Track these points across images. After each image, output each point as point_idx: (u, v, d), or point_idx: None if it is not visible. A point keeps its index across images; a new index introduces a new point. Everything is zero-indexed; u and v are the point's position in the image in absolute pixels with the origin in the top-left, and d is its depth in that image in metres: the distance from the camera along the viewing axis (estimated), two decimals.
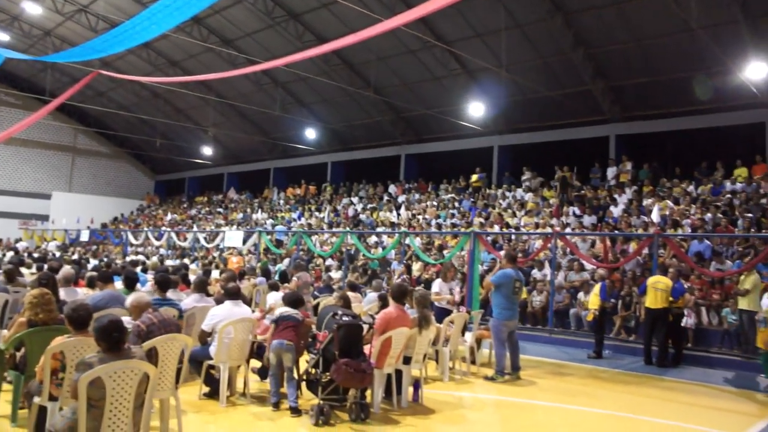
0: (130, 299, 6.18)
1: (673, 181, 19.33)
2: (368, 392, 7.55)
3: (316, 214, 26.98)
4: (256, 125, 32.05)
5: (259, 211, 29.96)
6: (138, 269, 13.74)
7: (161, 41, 25.51)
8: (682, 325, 12.34)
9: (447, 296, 11.20)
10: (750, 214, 15.59)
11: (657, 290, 11.76)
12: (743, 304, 11.86)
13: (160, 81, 26.04)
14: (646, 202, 18.24)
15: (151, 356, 5.60)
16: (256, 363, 8.46)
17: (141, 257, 21.80)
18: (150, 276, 12.22)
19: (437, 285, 11.34)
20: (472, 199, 23.33)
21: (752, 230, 14.70)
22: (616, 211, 18.37)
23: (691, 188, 18.66)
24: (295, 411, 7.10)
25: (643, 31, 18.62)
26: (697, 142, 20.46)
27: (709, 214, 16.12)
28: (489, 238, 17.12)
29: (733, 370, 11.40)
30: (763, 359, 10.18)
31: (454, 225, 20.86)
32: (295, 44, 22.91)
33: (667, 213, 16.77)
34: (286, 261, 19.87)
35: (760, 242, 13.61)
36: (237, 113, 31.10)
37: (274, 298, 9.57)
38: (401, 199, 25.90)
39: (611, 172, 21.13)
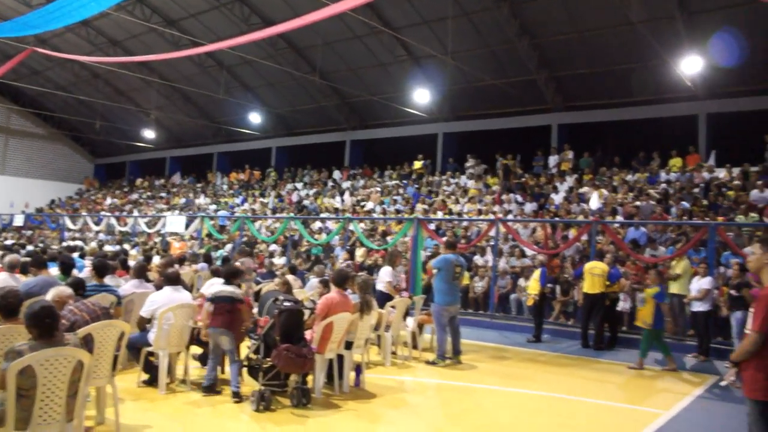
0: (50, 294, 5.98)
1: (612, 169, 19.85)
2: (310, 377, 7.56)
3: (260, 199, 26.73)
4: (199, 108, 31.48)
5: (202, 195, 29.51)
6: (76, 255, 13.39)
7: (102, 20, 24.73)
8: (618, 309, 12.73)
9: (395, 284, 11.29)
10: (684, 203, 16.13)
11: (594, 275, 12.09)
12: (674, 288, 12.28)
13: (100, 61, 25.29)
14: (584, 189, 18.70)
15: (87, 343, 5.49)
16: (197, 349, 8.36)
17: (79, 243, 21.25)
18: (88, 262, 11.93)
19: (386, 273, 11.34)
20: (416, 186, 23.48)
21: (684, 218, 15.22)
22: (557, 198, 18.78)
23: (629, 177, 19.19)
24: (237, 396, 7.08)
25: (586, 23, 19.02)
26: (635, 133, 21.07)
27: (644, 202, 16.60)
28: (432, 225, 17.28)
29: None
30: (645, 337, 10.54)
31: (398, 211, 20.97)
32: (240, 27, 22.56)
33: (602, 200, 17.21)
34: (229, 246, 19.68)
35: (691, 229, 14.11)
36: (180, 96, 30.49)
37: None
38: (346, 185, 25.88)
39: (553, 160, 21.56)
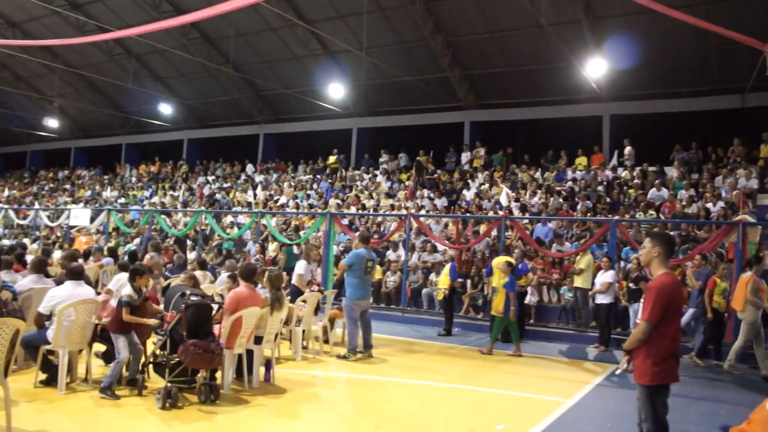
0: None
1: (522, 167, 20.45)
2: (218, 373, 7.44)
3: (171, 192, 26.04)
4: (107, 98, 30.31)
5: (109, 188, 28.46)
6: None
7: None
8: (525, 302, 13.12)
9: (309, 278, 11.24)
10: (588, 201, 16.80)
11: (499, 269, 12.40)
12: (578, 282, 12.77)
13: None
14: (495, 187, 19.19)
15: None
16: (100, 347, 8.07)
17: None
18: None
19: (300, 266, 11.28)
20: (329, 181, 23.45)
21: (589, 215, 15.86)
22: (468, 194, 19.17)
23: (537, 174, 19.81)
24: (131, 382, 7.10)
25: (498, 23, 19.51)
26: (544, 132, 21.76)
27: (552, 199, 17.20)
28: (345, 220, 17.31)
29: (567, 343, 12.32)
30: (496, 324, 11.04)
31: (311, 206, 20.89)
32: (151, 14, 21.90)
33: (506, 197, 17.69)
34: (137, 240, 19.08)
35: (595, 225, 14.73)
36: (86, 84, 29.28)
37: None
38: (258, 178, 25.56)
39: (465, 157, 21.98)
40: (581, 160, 19.95)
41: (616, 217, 14.03)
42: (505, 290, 10.82)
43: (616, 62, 18.16)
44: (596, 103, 20.54)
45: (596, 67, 18.02)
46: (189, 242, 19.24)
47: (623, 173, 18.46)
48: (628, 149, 19.27)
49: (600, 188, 17.83)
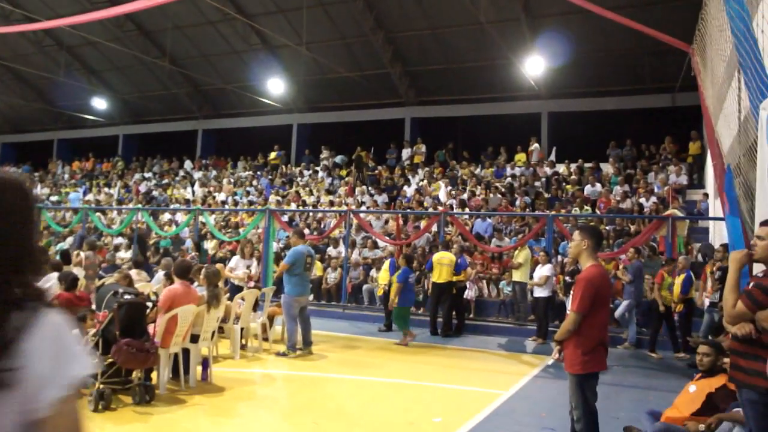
0: None
1: (462, 163, 20.67)
2: (154, 373, 7.28)
3: (105, 189, 25.34)
4: (36, 91, 29.24)
5: (40, 185, 27.49)
6: None
7: None
8: (465, 296, 13.26)
9: (241, 273, 11.09)
10: (527, 196, 17.10)
11: (442, 265, 12.50)
12: (517, 276, 12.98)
13: None
14: (433, 183, 19.36)
15: None
16: None
17: None
18: None
19: (234, 261, 11.18)
20: (269, 177, 23.23)
21: (528, 210, 16.13)
22: (409, 190, 19.26)
23: (477, 170, 20.05)
24: None
25: (439, 20, 19.64)
26: (484, 128, 22.03)
27: (491, 195, 17.44)
28: (285, 216, 17.18)
29: (506, 336, 12.51)
30: (394, 316, 11.68)
31: (251, 202, 20.64)
32: (83, 4, 21.20)
33: (444, 193, 17.87)
34: (70, 239, 18.51)
35: (533, 221, 15.01)
36: (13, 76, 28.13)
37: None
38: (197, 175, 25.11)
39: (406, 153, 22.08)
40: (520, 156, 20.30)
41: (553, 212, 14.31)
42: (398, 282, 11.31)
43: (554, 60, 18.55)
44: (535, 101, 20.92)
45: (534, 65, 18.37)
46: (125, 241, 18.76)
47: (561, 169, 18.86)
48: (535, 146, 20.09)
49: (538, 184, 18.16)
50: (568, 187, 17.54)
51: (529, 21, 18.55)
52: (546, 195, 17.24)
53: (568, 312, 4.88)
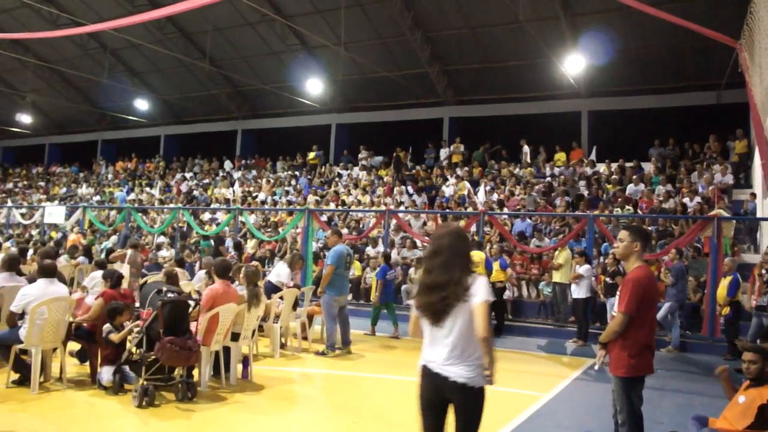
0: None
1: (501, 163, 20.51)
2: (195, 371, 7.38)
3: (147, 189, 25.78)
4: (82, 93, 29.89)
5: (85, 185, 28.10)
6: None
7: None
8: (504, 297, 13.16)
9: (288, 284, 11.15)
10: (567, 196, 16.90)
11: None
12: (557, 277, 12.82)
13: None
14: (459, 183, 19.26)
15: None
16: (75, 345, 7.97)
17: None
18: None
19: (285, 273, 11.04)
20: (308, 177, 23.36)
21: (568, 210, 15.94)
22: (447, 190, 19.18)
23: (517, 170, 19.87)
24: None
25: (477, 19, 19.51)
26: (523, 128, 21.81)
27: (530, 195, 17.27)
28: (324, 216, 17.25)
29: (546, 338, 12.39)
30: (373, 310, 12.18)
31: (290, 202, 20.79)
32: (126, 8, 21.57)
33: (485, 191, 17.75)
34: (114, 238, 18.88)
35: (573, 221, 14.81)
36: (60, 79, 28.80)
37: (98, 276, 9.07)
38: (237, 175, 25.38)
39: (444, 152, 21.99)
40: (560, 156, 20.05)
41: (595, 212, 14.11)
42: (378, 279, 12.03)
43: (594, 58, 18.27)
44: (575, 99, 20.65)
45: (574, 64, 18.13)
46: (166, 240, 19.04)
47: (602, 169, 18.59)
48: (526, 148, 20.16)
49: (581, 183, 17.91)
50: (609, 186, 17.27)
51: (569, 19, 18.31)
52: (586, 195, 16.99)
53: (612, 313, 4.80)
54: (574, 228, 13.98)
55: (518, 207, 16.91)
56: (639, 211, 15.42)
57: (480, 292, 3.55)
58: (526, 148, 20.93)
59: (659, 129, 19.14)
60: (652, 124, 19.59)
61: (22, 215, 23.11)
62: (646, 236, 4.95)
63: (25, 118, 31.29)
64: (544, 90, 20.86)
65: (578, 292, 11.76)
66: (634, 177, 17.10)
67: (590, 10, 18.14)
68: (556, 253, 13.14)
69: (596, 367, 4.96)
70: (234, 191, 23.11)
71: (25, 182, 31.40)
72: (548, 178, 18.77)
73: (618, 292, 4.84)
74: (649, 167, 18.06)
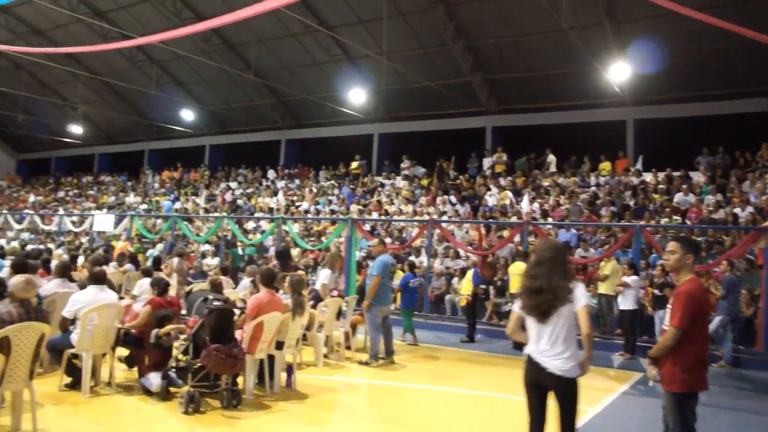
0: (12, 283, 5.84)
1: (544, 172, 20.29)
2: (240, 378, 7.44)
3: (193, 198, 26.20)
4: (130, 104, 30.61)
5: (132, 194, 28.71)
6: None
7: (23, 7, 23.77)
8: None
9: (333, 287, 11.20)
10: (613, 206, 16.61)
11: (513, 276, 12.34)
12: (603, 288, 12.60)
13: (22, 51, 24.14)
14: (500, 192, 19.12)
15: (2, 346, 5.24)
16: (123, 351, 8.12)
17: (2, 241, 20.40)
18: (8, 261, 11.43)
19: (325, 275, 11.19)
20: (351, 186, 23.44)
21: (614, 220, 15.66)
22: (490, 200, 19.05)
23: (561, 180, 19.63)
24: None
25: (519, 27, 19.38)
26: (567, 137, 21.54)
27: (575, 205, 17.03)
28: (367, 225, 17.28)
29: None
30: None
31: (332, 211, 20.89)
32: (172, 21, 22.05)
33: (527, 202, 17.56)
34: (160, 246, 19.21)
35: (620, 231, 14.55)
36: (109, 90, 29.54)
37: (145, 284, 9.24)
38: (280, 184, 25.63)
39: (487, 162, 21.86)
40: (605, 165, 19.74)
41: (641, 223, 13.84)
42: (398, 288, 12.23)
43: (640, 66, 17.97)
44: (620, 108, 20.33)
45: (619, 71, 17.84)
46: (211, 248, 19.29)
47: (648, 178, 18.23)
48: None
49: (627, 193, 17.59)
50: (656, 196, 16.92)
51: (613, 26, 18.04)
52: (632, 205, 16.68)
53: (663, 327, 4.67)
54: (620, 238, 13.73)
55: (563, 217, 16.68)
56: (688, 222, 15.08)
57: (582, 297, 4.37)
58: (551, 158, 20.74)
59: (708, 137, 18.66)
60: (700, 132, 19.11)
61: (73, 223, 23.69)
62: (698, 248, 4.84)
63: (77, 129, 32.15)
64: (588, 98, 20.57)
65: (625, 303, 11.53)
66: (683, 186, 16.72)
67: (635, 17, 17.85)
68: (602, 264, 12.92)
69: (651, 384, 4.87)
70: (278, 200, 23.32)
71: (76, 191, 32.22)
72: (593, 188, 18.48)
73: (668, 305, 4.71)
74: (697, 176, 17.63)
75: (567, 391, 4.41)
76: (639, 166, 18.99)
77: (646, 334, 12.24)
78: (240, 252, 18.30)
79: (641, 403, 8.35)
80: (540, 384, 4.50)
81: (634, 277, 11.59)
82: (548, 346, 4.39)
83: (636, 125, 20.43)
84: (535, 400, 4.57)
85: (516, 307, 4.65)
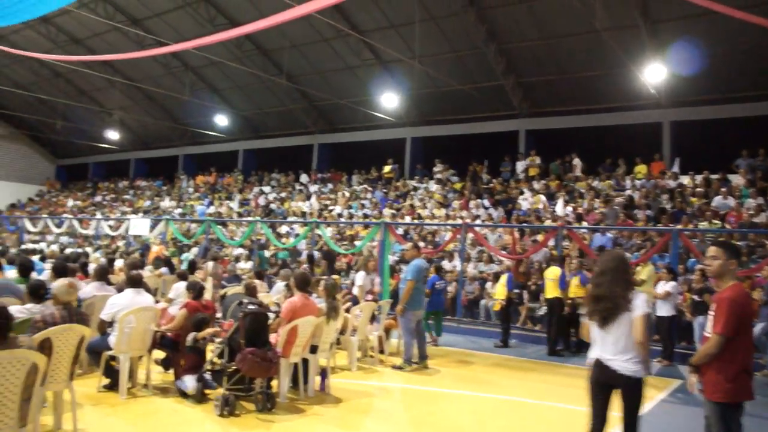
0: (56, 286, 5.98)
1: (579, 175, 20.06)
2: (274, 382, 7.47)
3: (227, 202, 26.45)
4: (164, 110, 31.04)
5: (167, 198, 29.09)
6: (36, 258, 13.10)
7: (62, 16, 24.27)
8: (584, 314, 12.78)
9: (370, 288, 11.23)
10: (649, 210, 16.35)
11: (548, 280, 12.20)
12: None
13: (61, 59, 24.66)
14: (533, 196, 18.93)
15: (44, 347, 5.33)
16: (159, 354, 8.21)
17: (42, 245, 20.81)
18: (48, 265, 11.66)
19: (359, 277, 11.28)
20: (384, 190, 23.44)
21: (650, 224, 15.40)
22: (524, 204, 18.90)
23: (595, 183, 19.39)
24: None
25: (552, 29, 19.19)
26: (601, 139, 21.27)
27: (610, 208, 16.79)
28: (400, 229, 17.26)
29: None
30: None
31: (365, 215, 20.91)
32: (206, 27, 22.27)
33: (561, 206, 17.36)
34: (195, 250, 19.41)
35: (656, 235, 14.30)
36: (145, 97, 30.01)
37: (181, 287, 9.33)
38: (313, 188, 25.73)
39: (520, 165, 21.69)
40: (641, 168, 19.43)
41: (679, 227, 13.59)
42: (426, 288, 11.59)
43: (677, 67, 17.65)
44: (655, 110, 20.01)
45: (655, 73, 17.55)
46: (244, 252, 19.44)
47: (685, 181, 17.90)
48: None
49: (664, 196, 17.29)
50: (694, 200, 16.61)
51: (649, 26, 17.75)
52: (669, 208, 16.39)
53: (706, 334, 4.56)
54: (657, 242, 13.49)
55: (597, 221, 16.46)
56: (727, 225, 14.76)
57: (640, 306, 4.60)
58: (576, 161, 20.49)
59: (748, 139, 18.23)
60: (739, 134, 18.70)
61: (110, 227, 24.08)
62: (739, 253, 4.72)
63: (113, 135, 32.66)
64: (623, 101, 20.28)
65: (663, 309, 11.32)
66: (722, 190, 16.39)
67: (672, 17, 17.53)
68: (638, 268, 12.71)
69: (693, 392, 4.74)
70: (311, 204, 23.42)
71: (113, 195, 32.77)
72: (628, 191, 18.21)
73: (710, 312, 4.60)
74: (737, 179, 17.26)
75: (633, 391, 4.63)
76: (676, 168, 18.67)
77: (684, 340, 12.00)
78: (267, 255, 18.39)
79: (681, 411, 8.18)
80: (607, 384, 4.72)
81: (673, 283, 11.38)
82: (613, 350, 4.64)
83: (672, 127, 20.08)
84: (601, 401, 4.77)
85: (584, 315, 5.03)
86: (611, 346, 4.65)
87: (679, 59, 17.39)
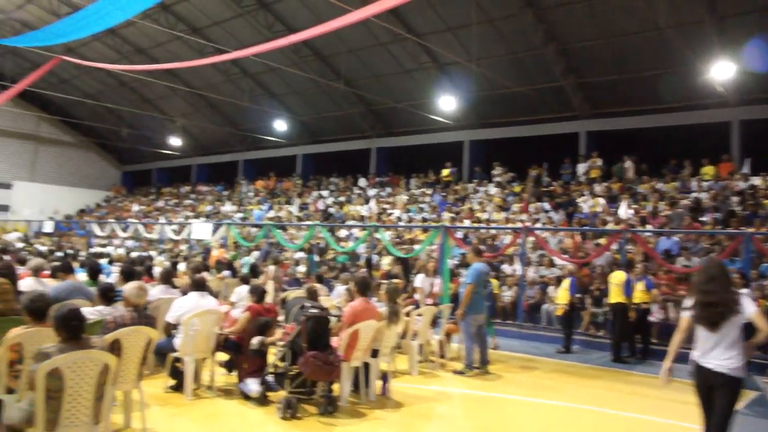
0: (126, 289, 6.18)
1: (642, 177, 19.54)
2: (336, 385, 7.48)
3: (286, 206, 26.76)
4: (225, 116, 31.63)
5: (228, 203, 29.62)
6: (104, 261, 13.49)
7: (128, 28, 24.99)
8: (651, 319, 12.44)
9: (429, 291, 11.19)
10: (718, 213, 15.79)
11: (612, 285, 11.90)
12: None
13: (126, 69, 25.44)
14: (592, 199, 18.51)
15: (114, 348, 5.45)
16: (223, 356, 8.32)
17: (109, 249, 21.44)
18: (115, 267, 11.99)
19: (419, 280, 11.27)
20: (442, 194, 23.32)
21: (718, 227, 14.87)
22: (585, 207, 18.51)
23: (659, 185, 18.85)
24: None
25: (613, 28, 18.73)
26: (665, 140, 20.68)
27: (675, 211, 16.30)
28: (459, 233, 17.12)
29: None
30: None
31: (424, 219, 20.83)
32: (264, 34, 22.63)
33: (624, 209, 16.93)
34: (256, 253, 19.68)
35: (725, 238, 13.79)
36: (205, 103, 30.65)
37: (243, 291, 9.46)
38: (371, 192, 25.79)
39: (581, 168, 21.26)
40: (708, 170, 18.78)
41: (751, 230, 13.07)
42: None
43: (746, 63, 17.00)
44: (723, 109, 19.31)
45: (723, 70, 16.93)
46: (304, 256, 19.58)
47: (757, 182, 17.21)
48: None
49: (735, 198, 16.67)
50: (766, 202, 15.96)
51: (715, 22, 17.14)
52: (739, 211, 15.78)
53: None
54: (726, 247, 13.00)
55: (662, 224, 15.97)
56: None
57: (748, 305, 4.91)
58: (628, 164, 19.95)
59: None
60: None
61: (173, 231, 24.64)
62: None
63: (175, 141, 33.52)
64: (687, 100, 19.64)
65: None
66: None
67: (740, 11, 16.88)
68: None
69: None
70: (369, 208, 23.48)
71: (175, 200, 33.57)
72: (694, 193, 17.63)
73: None
74: None
75: (731, 388, 4.84)
76: (746, 169, 17.98)
77: (759, 350, 11.50)
78: (316, 259, 18.45)
79: (759, 424, 7.84)
80: (709, 385, 4.95)
81: (746, 290, 10.93)
82: (717, 351, 4.87)
83: (742, 126, 19.34)
84: (709, 401, 4.98)
85: (686, 314, 5.19)
86: (715, 346, 4.88)
87: (750, 55, 16.73)
